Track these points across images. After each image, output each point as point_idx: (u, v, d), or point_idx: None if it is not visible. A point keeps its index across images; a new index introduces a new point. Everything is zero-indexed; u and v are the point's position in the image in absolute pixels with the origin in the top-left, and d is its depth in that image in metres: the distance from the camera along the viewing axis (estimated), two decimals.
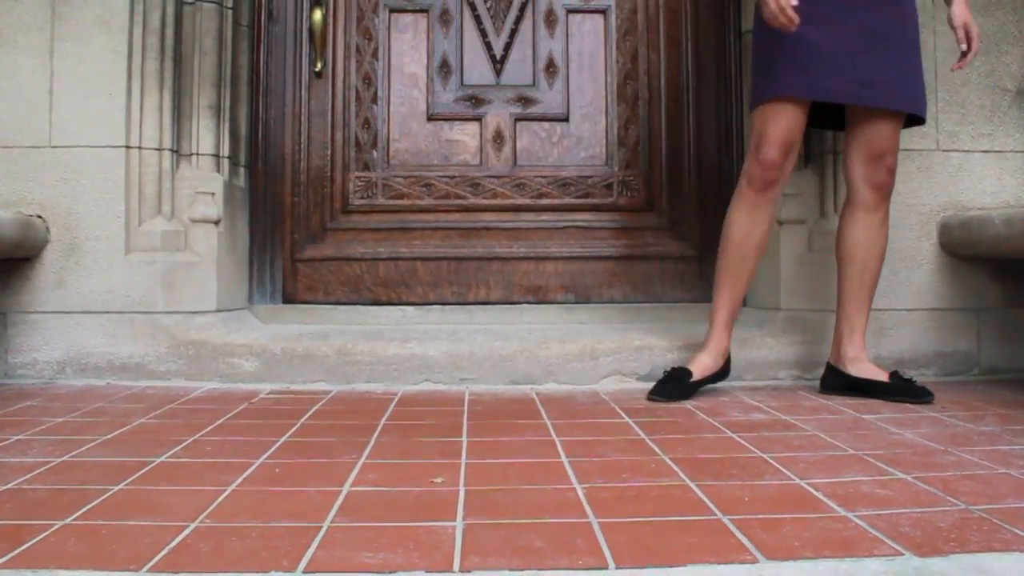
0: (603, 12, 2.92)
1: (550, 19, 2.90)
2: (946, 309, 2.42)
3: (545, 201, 2.87)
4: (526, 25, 2.90)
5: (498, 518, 1.12)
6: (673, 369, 2.12)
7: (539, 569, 0.95)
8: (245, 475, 1.34)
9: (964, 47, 2.02)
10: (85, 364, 2.32)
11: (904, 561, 0.96)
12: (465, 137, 2.89)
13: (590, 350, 2.34)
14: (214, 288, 2.43)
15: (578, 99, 2.90)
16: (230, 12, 2.57)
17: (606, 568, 0.94)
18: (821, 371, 2.36)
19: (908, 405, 1.96)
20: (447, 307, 2.81)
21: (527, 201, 2.87)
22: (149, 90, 2.39)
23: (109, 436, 1.63)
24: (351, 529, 1.08)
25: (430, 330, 2.61)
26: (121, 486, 1.27)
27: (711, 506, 1.17)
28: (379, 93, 2.87)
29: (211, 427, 1.72)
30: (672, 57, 2.91)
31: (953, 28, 2.04)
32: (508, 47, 2.89)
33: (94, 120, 2.35)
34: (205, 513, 1.14)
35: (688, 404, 1.99)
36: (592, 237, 2.86)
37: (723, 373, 2.15)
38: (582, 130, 2.90)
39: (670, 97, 2.90)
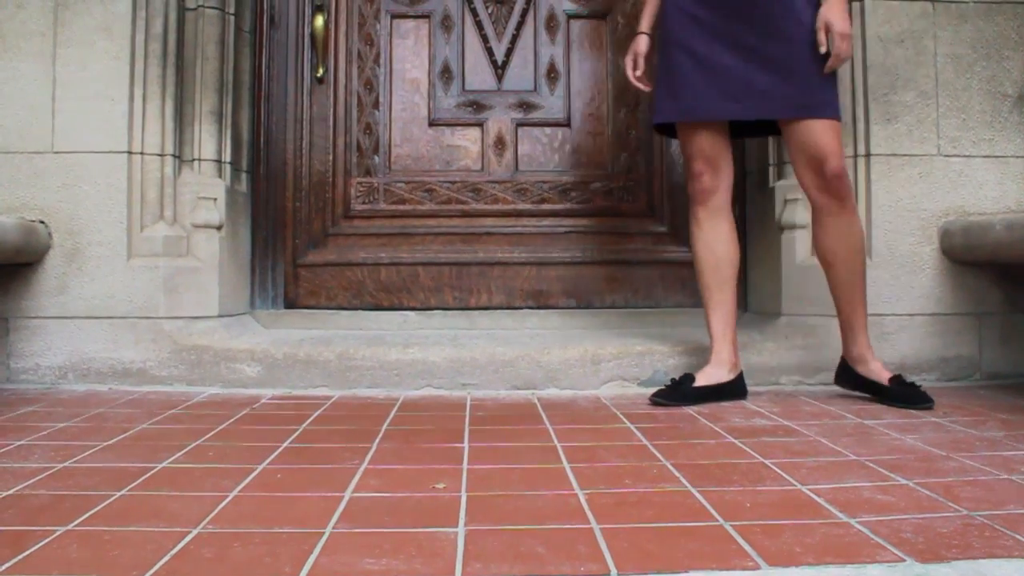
0: (604, 17, 2.93)
1: (551, 25, 2.91)
2: (948, 314, 2.42)
3: (546, 206, 2.87)
4: (527, 31, 2.91)
5: (500, 524, 1.12)
6: (680, 376, 2.14)
7: (541, 575, 0.95)
8: (247, 481, 1.34)
9: (823, 49, 1.96)
10: (87, 369, 2.33)
11: (906, 567, 0.96)
12: (466, 142, 2.89)
13: (591, 355, 2.34)
14: (216, 293, 2.44)
15: (579, 104, 2.90)
16: (232, 18, 2.58)
17: (608, 574, 0.94)
18: (823, 376, 2.37)
19: (910, 410, 1.96)
20: (448, 312, 2.81)
21: (528, 206, 2.87)
22: (151, 96, 2.40)
23: (111, 441, 1.63)
24: (353, 535, 1.08)
25: (431, 335, 2.61)
26: (123, 492, 1.27)
27: (713, 512, 1.16)
28: (381, 99, 2.87)
29: (213, 432, 1.72)
30: None
31: (816, 29, 1.98)
32: (509, 53, 2.90)
33: (96, 126, 2.35)
34: (207, 519, 1.14)
35: (690, 410, 1.99)
36: (593, 242, 2.86)
37: (734, 388, 2.14)
38: (583, 135, 2.90)
39: None
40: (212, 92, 2.52)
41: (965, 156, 2.45)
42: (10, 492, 1.27)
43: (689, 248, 2.23)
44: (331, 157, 2.85)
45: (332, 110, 2.86)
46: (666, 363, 2.33)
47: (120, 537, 1.06)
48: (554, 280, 2.85)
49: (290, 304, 2.83)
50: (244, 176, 2.73)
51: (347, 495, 1.26)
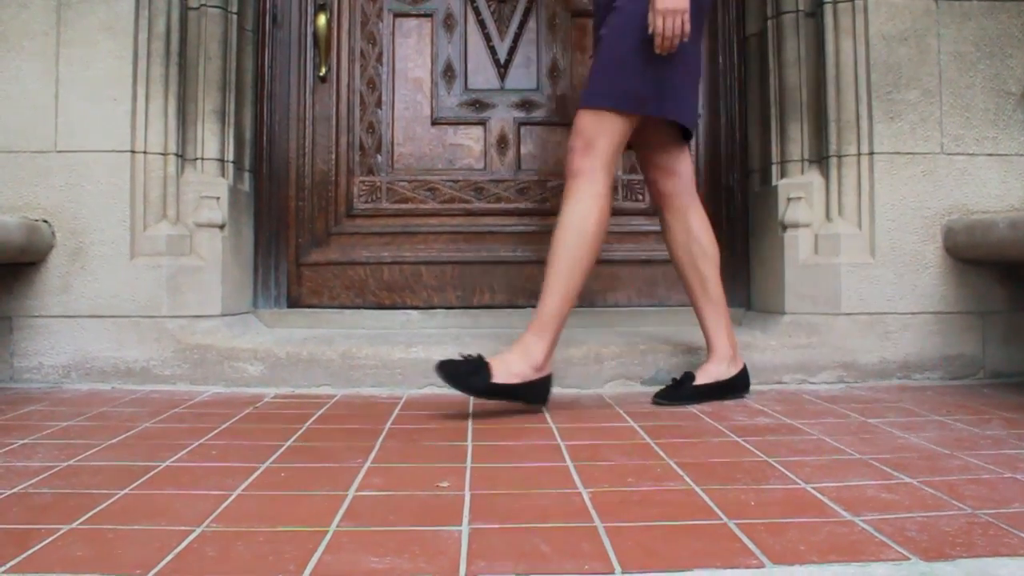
0: None
1: (553, 24, 2.91)
2: (951, 313, 2.42)
3: (549, 205, 2.87)
4: (530, 29, 2.91)
5: (504, 523, 1.12)
6: (681, 375, 2.13)
7: (545, 574, 0.95)
8: (250, 479, 1.34)
9: (650, 29, 1.91)
10: (90, 368, 2.33)
11: (911, 566, 0.95)
12: (469, 141, 2.89)
13: (595, 354, 2.34)
14: (219, 292, 2.44)
15: None
16: (235, 17, 2.58)
17: (612, 573, 0.94)
18: (826, 375, 2.37)
19: (913, 409, 1.96)
20: (451, 311, 2.81)
21: (531, 205, 2.87)
22: (154, 95, 2.40)
23: (114, 440, 1.63)
24: (357, 534, 1.08)
25: (434, 334, 2.61)
26: (127, 490, 1.27)
27: (717, 511, 1.16)
28: (383, 97, 2.87)
29: (216, 431, 1.72)
30: None
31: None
32: (512, 51, 2.90)
33: (99, 125, 2.36)
34: (211, 517, 1.14)
35: (693, 408, 1.99)
36: None
37: (736, 383, 2.12)
38: None
39: None
40: (215, 91, 2.52)
41: (968, 154, 2.44)
42: (14, 490, 1.27)
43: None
44: (334, 156, 2.85)
45: (335, 109, 2.86)
46: (669, 361, 2.33)
47: (124, 535, 1.07)
48: None
49: (293, 303, 2.83)
50: (247, 175, 2.73)
51: (350, 494, 1.26)
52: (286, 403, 2.08)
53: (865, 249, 2.43)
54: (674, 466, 1.42)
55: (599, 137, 1.96)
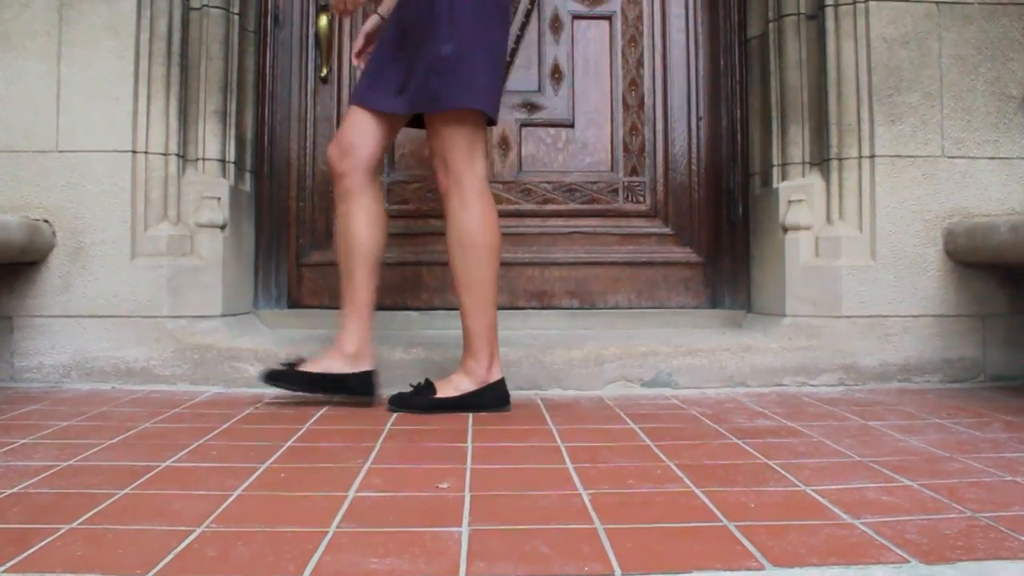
0: (609, 18, 2.92)
1: (556, 25, 2.91)
2: (951, 316, 2.42)
3: (550, 207, 2.87)
4: (532, 31, 2.91)
5: (504, 524, 1.12)
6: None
7: (545, 575, 0.95)
8: (251, 480, 1.34)
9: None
10: (90, 368, 2.33)
11: (911, 568, 0.95)
12: None
13: (595, 356, 2.34)
14: (219, 293, 2.44)
15: (583, 105, 2.90)
16: (236, 18, 2.59)
17: (612, 574, 0.94)
18: (826, 377, 2.37)
19: (913, 412, 1.96)
20: (452, 312, 2.80)
21: (532, 207, 2.87)
22: (156, 95, 2.40)
23: (115, 440, 1.63)
24: (357, 534, 1.08)
25: (435, 335, 2.61)
26: (127, 490, 1.27)
27: (717, 513, 1.16)
28: None
29: (216, 431, 1.72)
30: (678, 63, 2.92)
31: None
32: (514, 53, 2.89)
33: (101, 125, 2.36)
34: (211, 518, 1.14)
35: (693, 411, 1.99)
36: (597, 243, 2.86)
37: (358, 383, 2.04)
38: (587, 136, 2.90)
39: (676, 103, 2.91)
40: (216, 91, 2.52)
41: (969, 157, 2.45)
42: (14, 490, 1.27)
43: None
44: None
45: (336, 110, 2.86)
46: (669, 364, 2.33)
47: (124, 535, 1.07)
48: (557, 281, 2.85)
49: (293, 304, 2.83)
50: (248, 176, 2.74)
51: (351, 494, 1.26)
52: (286, 403, 2.08)
53: (866, 252, 2.43)
54: (674, 468, 1.42)
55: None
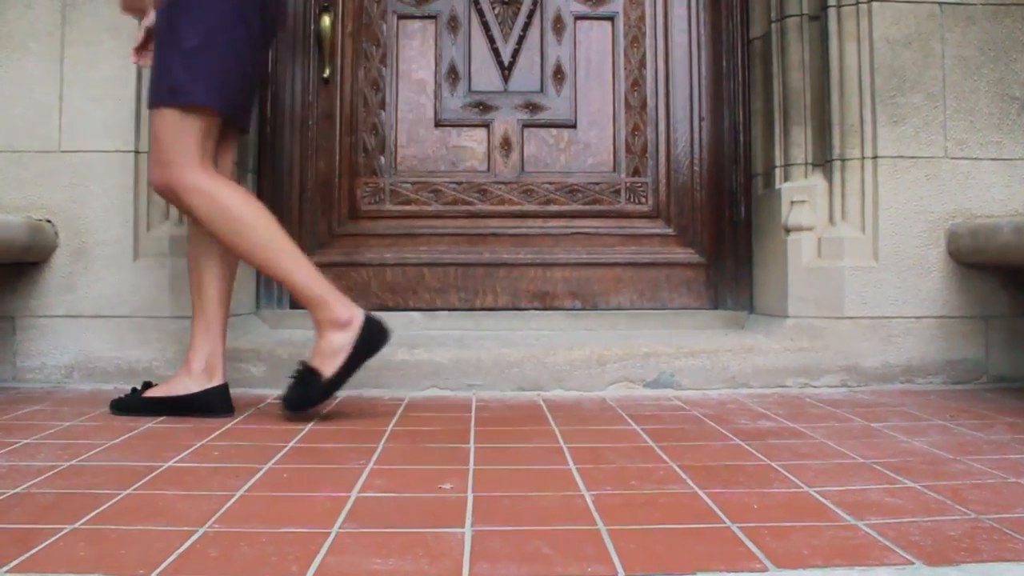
0: (611, 19, 2.92)
1: (558, 26, 2.91)
2: (954, 317, 2.41)
3: (552, 207, 2.87)
4: (534, 32, 2.91)
5: (507, 525, 1.12)
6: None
7: None
8: (253, 480, 1.34)
9: None
10: (93, 368, 2.33)
11: (914, 570, 0.95)
12: (473, 143, 2.89)
13: (597, 357, 2.34)
14: None
15: (586, 106, 2.90)
16: None
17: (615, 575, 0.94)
18: (828, 378, 2.37)
19: (916, 413, 1.95)
20: (454, 313, 2.81)
21: (534, 207, 2.87)
22: None
23: (117, 440, 1.63)
24: (360, 535, 1.08)
25: (437, 336, 2.61)
26: (130, 491, 1.27)
27: (720, 514, 1.16)
28: (387, 99, 2.88)
29: (219, 432, 1.72)
30: (680, 64, 2.91)
31: None
32: (516, 54, 2.90)
33: (104, 125, 2.36)
34: (214, 518, 1.14)
35: (696, 412, 1.99)
36: (599, 244, 2.86)
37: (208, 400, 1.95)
38: (589, 137, 2.90)
39: (678, 104, 2.91)
40: None
41: (972, 158, 2.44)
42: (17, 490, 1.27)
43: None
44: (337, 157, 2.85)
45: (338, 110, 2.86)
46: (671, 364, 2.33)
47: (126, 536, 1.07)
48: (560, 281, 2.85)
49: (295, 304, 2.82)
50: (249, 176, 2.74)
51: (353, 495, 1.26)
52: None
53: (868, 253, 2.42)
54: (677, 469, 1.42)
55: None
